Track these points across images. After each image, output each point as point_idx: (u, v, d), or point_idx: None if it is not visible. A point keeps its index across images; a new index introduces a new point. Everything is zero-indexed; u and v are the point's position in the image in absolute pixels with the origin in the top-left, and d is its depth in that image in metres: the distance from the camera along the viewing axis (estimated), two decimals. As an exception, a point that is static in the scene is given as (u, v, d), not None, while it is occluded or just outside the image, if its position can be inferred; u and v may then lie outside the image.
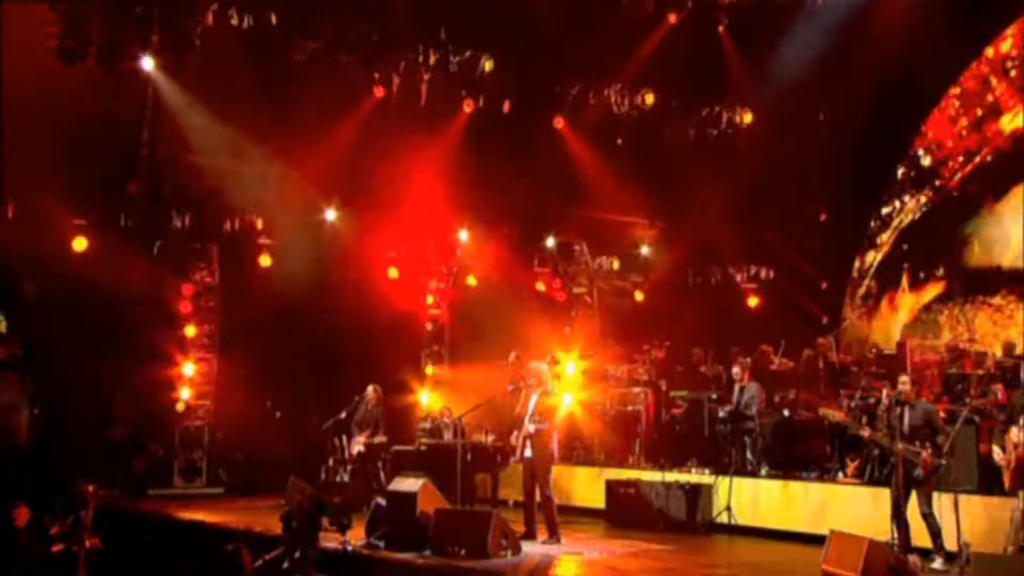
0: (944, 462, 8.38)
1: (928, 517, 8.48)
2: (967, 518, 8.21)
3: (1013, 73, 15.06)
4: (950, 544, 8.29)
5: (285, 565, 7.77)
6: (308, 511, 7.99)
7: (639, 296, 17.73)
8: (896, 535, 8.59)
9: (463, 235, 16.47)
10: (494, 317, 15.79)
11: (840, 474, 10.93)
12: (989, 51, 15.29)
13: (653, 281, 17.80)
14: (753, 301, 17.42)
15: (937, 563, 8.43)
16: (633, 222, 17.68)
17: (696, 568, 9.20)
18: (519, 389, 10.55)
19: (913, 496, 8.56)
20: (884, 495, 8.95)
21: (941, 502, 8.44)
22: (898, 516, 8.61)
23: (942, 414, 9.34)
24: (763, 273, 17.60)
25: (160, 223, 14.60)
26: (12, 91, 12.10)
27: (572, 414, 13.72)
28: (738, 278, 17.71)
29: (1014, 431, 7.58)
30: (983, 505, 8.10)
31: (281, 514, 8.25)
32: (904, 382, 9.17)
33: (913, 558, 8.52)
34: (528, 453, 10.03)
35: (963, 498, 8.38)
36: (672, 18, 15.25)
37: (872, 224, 16.96)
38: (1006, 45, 15.13)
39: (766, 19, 15.45)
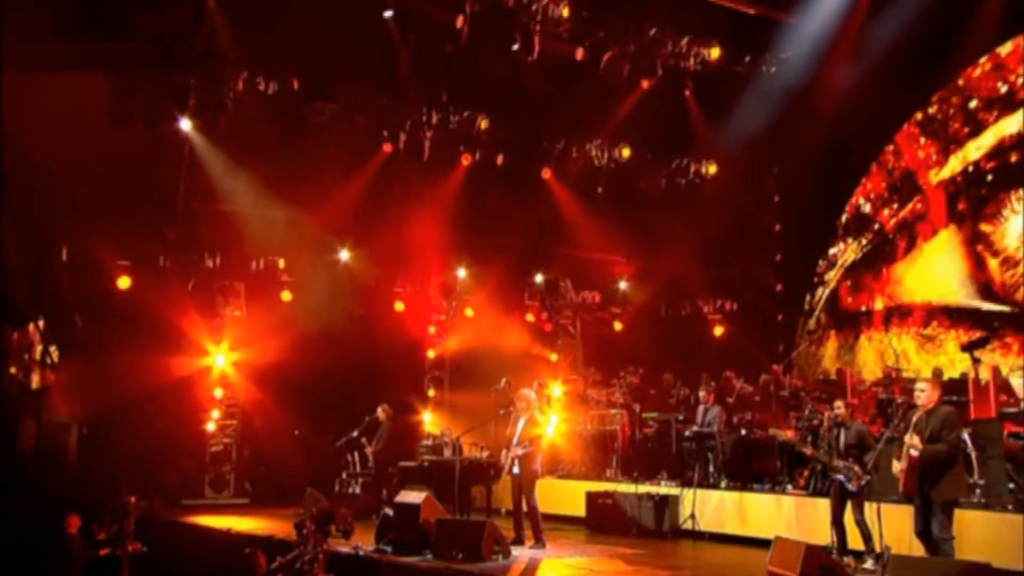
0: (871, 476, 8.55)
1: (861, 524, 8.65)
2: (889, 524, 8.35)
3: (939, 134, 15.27)
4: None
5: (298, 566, 7.93)
6: (318, 519, 8.10)
7: (618, 326, 17.66)
8: (835, 539, 8.79)
9: (461, 273, 16.52)
10: (489, 346, 15.81)
11: (789, 486, 10.99)
12: (918, 115, 15.49)
13: (630, 313, 17.77)
14: (719, 331, 17.38)
15: (868, 564, 8.56)
16: (612, 260, 17.72)
17: (662, 570, 9.24)
18: (509, 412, 10.70)
19: (848, 505, 8.74)
20: (825, 504, 9.17)
21: (872, 510, 8.53)
22: (836, 523, 8.81)
23: (875, 434, 9.66)
24: (727, 306, 17.50)
25: (193, 264, 14.68)
26: (69, 150, 12.22)
27: (558, 432, 13.80)
28: (705, 310, 17.66)
29: (907, 438, 7.65)
30: (900, 513, 8.31)
31: (295, 522, 8.49)
32: (839, 406, 9.40)
33: (849, 559, 8.71)
34: (516, 470, 10.15)
35: (885, 507, 8.48)
36: (644, 83, 15.62)
37: (820, 263, 16.93)
38: (932, 109, 15.33)
39: (726, 85, 15.73)
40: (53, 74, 12.68)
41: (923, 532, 7.64)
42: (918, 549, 7.93)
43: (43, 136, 11.95)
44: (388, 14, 13.65)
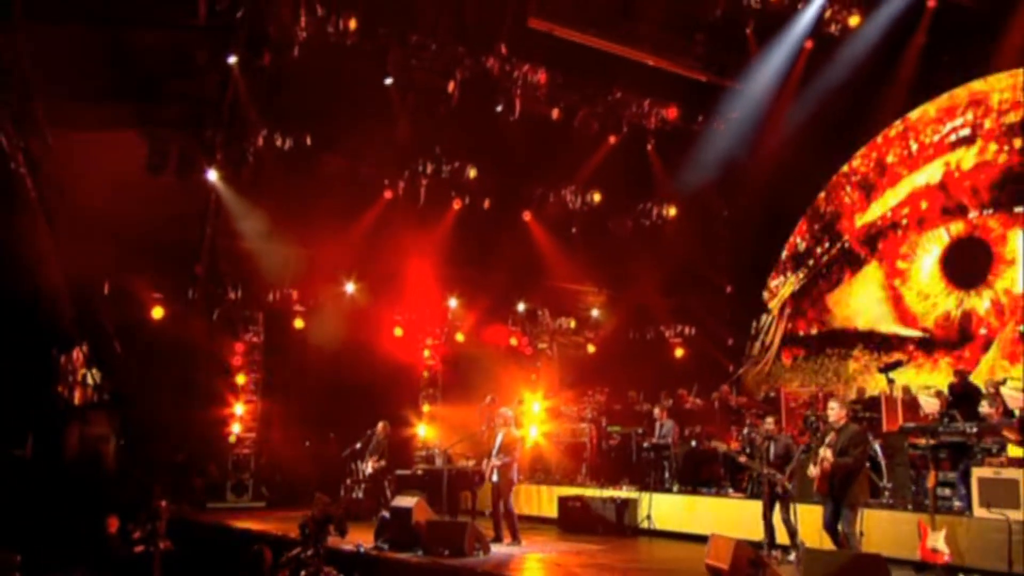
0: (791, 483, 8.81)
1: (787, 522, 8.88)
2: (812, 522, 8.57)
3: (862, 184, 15.45)
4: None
5: (302, 558, 8.06)
6: (317, 521, 8.19)
7: (591, 349, 17.59)
8: (765, 535, 9.03)
9: (452, 302, 16.51)
10: (476, 366, 15.78)
11: (730, 490, 11.23)
12: (845, 167, 15.64)
13: (602, 337, 17.68)
14: (679, 352, 17.35)
15: (792, 556, 8.77)
16: (585, 291, 17.74)
17: (620, 562, 9.43)
18: (491, 428, 10.95)
19: (776, 506, 8.98)
20: (759, 506, 9.29)
21: (796, 510, 8.83)
22: (766, 521, 9.04)
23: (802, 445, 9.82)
24: (686, 331, 17.45)
25: (218, 295, 14.67)
26: (111, 197, 12.13)
27: (536, 443, 13.92)
28: (667, 334, 17.58)
29: (821, 450, 8.01)
30: (814, 512, 8.45)
31: (299, 523, 8.47)
32: (769, 422, 9.80)
33: (777, 553, 8.96)
34: (495, 478, 10.28)
35: (807, 508, 8.76)
36: (612, 139, 15.98)
37: (764, 294, 16.93)
38: (856, 163, 15.50)
39: (682, 140, 16.10)
40: (100, 133, 12.72)
41: (831, 528, 8.03)
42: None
43: (89, 185, 12.01)
44: (388, 80, 13.78)
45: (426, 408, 16.07)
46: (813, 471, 8.11)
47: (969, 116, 13.83)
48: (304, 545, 8.09)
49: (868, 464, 9.55)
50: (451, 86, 13.75)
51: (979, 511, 8.37)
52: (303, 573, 7.85)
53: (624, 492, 11.90)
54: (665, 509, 11.36)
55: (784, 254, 16.66)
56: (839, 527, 8.00)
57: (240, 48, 12.85)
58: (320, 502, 11.09)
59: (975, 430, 9.00)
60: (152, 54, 12.59)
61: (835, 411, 8.35)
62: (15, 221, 11.83)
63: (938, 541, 8.12)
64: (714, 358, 16.81)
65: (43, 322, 12.60)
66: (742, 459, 9.95)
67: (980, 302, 13.48)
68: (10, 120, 11.69)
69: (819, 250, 16.09)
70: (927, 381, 13.03)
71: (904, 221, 14.70)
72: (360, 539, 9.90)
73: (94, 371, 13.81)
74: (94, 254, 12.66)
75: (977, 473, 8.50)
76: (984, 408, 9.40)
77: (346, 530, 8.62)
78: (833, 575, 7.19)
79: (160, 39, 12.61)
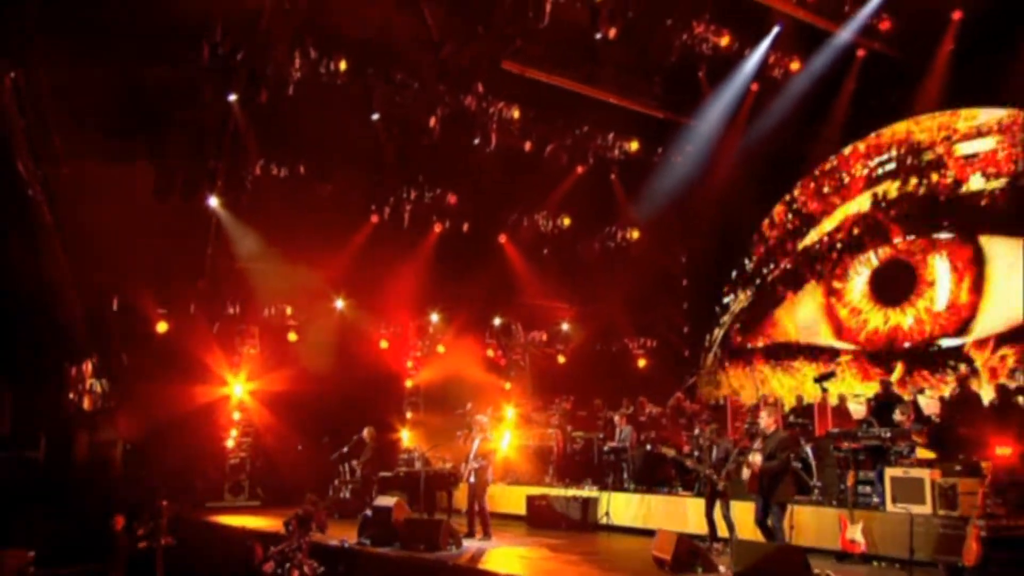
0: (726, 483, 9.08)
1: (726, 518, 9.16)
2: (742, 518, 8.93)
3: (801, 211, 15.82)
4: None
5: (287, 552, 8.31)
6: (300, 519, 8.46)
7: (561, 360, 17.60)
8: (708, 530, 9.34)
9: (434, 317, 16.60)
10: (456, 376, 15.72)
11: (680, 489, 11.45)
12: (787, 196, 15.97)
13: (571, 349, 17.68)
14: (641, 363, 17.47)
15: (730, 548, 8.83)
16: (556, 307, 17.78)
17: (579, 554, 9.56)
18: (467, 434, 10.94)
19: (717, 504, 9.25)
20: (702, 503, 9.51)
21: (735, 507, 9.10)
22: (708, 517, 9.33)
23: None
24: (648, 343, 17.59)
25: (218, 311, 14.65)
26: (120, 220, 12.29)
27: (511, 447, 13.77)
28: (631, 346, 17.64)
29: (752, 454, 8.38)
30: (749, 509, 8.69)
31: (284, 521, 8.72)
32: (711, 428, 10.12)
33: (718, 545, 9.23)
34: (472, 480, 10.48)
35: (744, 505, 8.92)
36: (579, 169, 16.24)
37: (717, 310, 17.11)
38: (796, 192, 15.82)
39: (643, 170, 16.45)
40: (111, 162, 12.74)
41: (762, 523, 8.40)
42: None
43: (101, 210, 12.10)
44: (375, 116, 13.97)
45: (409, 415, 16.06)
46: (746, 473, 8.49)
47: (893, 153, 14.27)
48: (288, 540, 8.27)
49: (800, 465, 10.07)
50: (432, 121, 13.90)
51: (891, 506, 8.72)
52: (288, 565, 8.04)
53: (586, 491, 12.02)
54: (622, 507, 11.52)
55: (734, 274, 16.90)
56: (768, 522, 8.36)
57: (240, 86, 12.94)
58: (310, 501, 11.37)
59: (889, 435, 9.40)
60: (160, 91, 12.69)
61: (765, 419, 8.80)
62: (32, 243, 11.93)
63: (856, 533, 8.54)
64: (672, 368, 17.01)
65: (56, 335, 12.63)
66: (688, 462, 10.27)
67: (904, 318, 13.86)
68: (29, 151, 11.77)
69: (765, 270, 16.33)
70: (859, 389, 13.32)
71: (839, 245, 15.03)
72: (345, 535, 10.03)
73: (103, 380, 13.77)
74: (104, 273, 12.91)
75: (889, 473, 8.87)
76: (897, 415, 9.78)
77: (326, 527, 8.78)
78: (760, 564, 7.55)
79: (167, 78, 12.64)
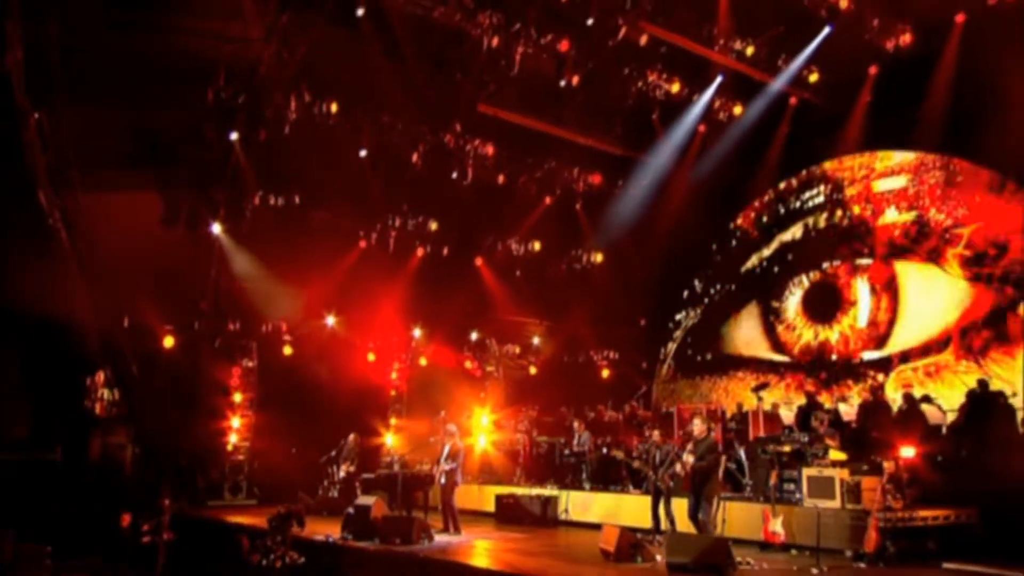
0: (672, 483, 9.39)
1: (668, 514, 9.43)
2: (680, 513, 9.16)
3: (744, 238, 16.37)
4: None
5: (269, 545, 8.56)
6: (281, 515, 8.73)
7: (533, 370, 17.63)
8: (653, 524, 9.58)
9: (416, 332, 16.55)
10: (435, 386, 15.88)
11: (631, 488, 11.63)
12: (730, 224, 16.52)
13: (542, 360, 17.76)
14: (605, 373, 17.58)
15: None
16: (527, 322, 17.88)
17: (538, 546, 9.76)
18: (439, 440, 11.24)
19: (660, 501, 9.52)
20: (649, 500, 9.73)
21: (675, 504, 9.31)
22: (653, 512, 9.62)
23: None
24: (611, 355, 17.70)
25: (219, 327, 14.71)
26: (131, 246, 12.61)
27: (484, 450, 14.13)
28: (595, 358, 17.75)
29: (685, 456, 8.86)
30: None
31: (267, 517, 8.90)
32: (655, 434, 10.35)
33: (661, 538, 9.17)
34: (443, 481, 10.73)
35: (681, 501, 9.15)
36: (548, 199, 16.69)
37: (670, 326, 17.41)
38: (739, 221, 16.42)
39: (604, 200, 16.88)
40: (123, 193, 13.04)
41: (694, 517, 8.81)
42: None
43: (114, 236, 12.47)
44: (363, 152, 14.26)
45: (393, 421, 16.01)
46: (681, 473, 8.94)
47: (821, 188, 14.87)
48: (272, 534, 8.54)
49: (735, 466, 10.59)
50: (415, 156, 14.30)
51: (807, 502, 9.15)
52: (272, 556, 8.30)
53: (548, 490, 12.24)
54: (579, 504, 11.75)
55: (686, 293, 17.30)
56: (699, 516, 8.77)
57: (241, 126, 13.32)
58: (302, 500, 11.79)
59: (807, 439, 9.86)
60: (168, 130, 13.00)
61: (697, 426, 9.22)
62: (51, 265, 12.25)
63: (776, 525, 9.00)
64: (632, 378, 17.19)
65: (73, 349, 12.96)
66: (635, 464, 10.61)
67: (832, 334, 14.36)
68: (50, 183, 12.21)
69: (712, 291, 16.79)
70: (792, 398, 13.73)
71: (775, 269, 15.53)
72: (330, 531, 10.12)
73: (115, 390, 13.94)
74: (116, 293, 13.12)
75: (806, 472, 9.30)
76: (813, 422, 10.24)
77: (304, 523, 8.98)
78: (690, 553, 7.92)
79: (175, 118, 13.01)
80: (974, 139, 12.08)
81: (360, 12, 11.98)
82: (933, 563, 8.12)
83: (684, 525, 9.16)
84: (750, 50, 13.18)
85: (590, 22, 11.95)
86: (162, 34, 11.95)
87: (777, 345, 15.25)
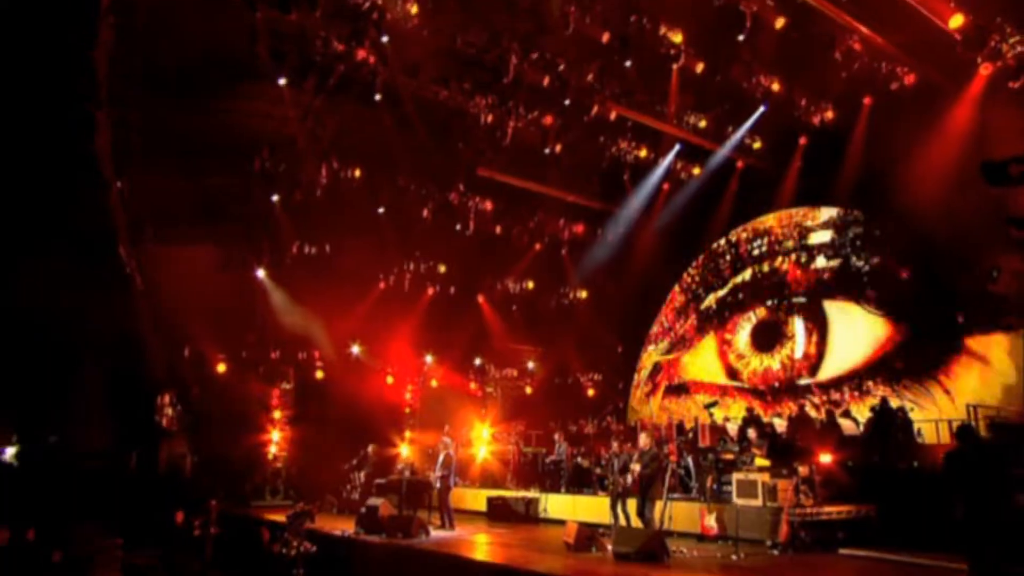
0: (627, 486, 9.66)
1: (624, 512, 9.68)
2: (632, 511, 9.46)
3: (703, 280, 16.62)
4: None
5: (287, 537, 8.96)
6: (298, 513, 9.25)
7: (528, 390, 17.99)
8: (613, 521, 9.81)
9: (428, 359, 17.01)
10: (444, 404, 16.21)
11: (600, 491, 11.79)
12: (691, 268, 16.86)
13: (536, 382, 18.15)
14: (591, 392, 17.87)
15: None
16: (523, 349, 18.33)
17: (517, 540, 10.05)
18: (436, 451, 11.75)
19: (619, 501, 9.78)
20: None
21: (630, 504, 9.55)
22: (613, 511, 9.89)
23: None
24: (595, 377, 18.04)
25: (263, 355, 15.48)
26: (191, 289, 13.09)
27: (485, 459, 14.65)
28: (582, 380, 18.09)
29: (633, 464, 9.29)
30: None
31: (287, 514, 9.43)
32: (615, 445, 10.97)
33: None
34: (438, 485, 11.24)
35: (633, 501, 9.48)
36: (538, 246, 17.35)
37: (643, 354, 17.67)
38: (697, 265, 16.80)
39: (586, 246, 17.57)
40: (185, 245, 13.85)
41: (641, 515, 9.39)
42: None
43: (178, 280, 12.98)
44: (381, 209, 15.04)
45: (407, 434, 15.51)
46: (631, 479, 9.58)
47: (765, 239, 15.41)
48: (289, 528, 9.10)
49: (683, 471, 11.15)
50: (425, 212, 15.02)
51: (737, 500, 9.68)
52: (289, 546, 8.84)
53: (531, 493, 12.71)
54: (557, 504, 12.19)
55: (655, 328, 17.67)
56: (645, 514, 9.38)
57: (281, 189, 14.12)
58: (328, 501, 12.29)
59: (738, 448, 10.47)
60: (222, 192, 13.82)
61: (643, 439, 9.89)
62: (129, 306, 12.79)
63: (711, 520, 9.65)
64: (612, 397, 17.59)
65: (145, 374, 13.41)
66: (597, 470, 11.29)
67: (774, 362, 14.82)
68: (128, 238, 13.04)
69: (676, 325, 17.18)
70: (739, 415, 14.07)
71: (728, 309, 15.96)
72: (346, 527, 10.64)
73: (178, 408, 14.54)
74: (179, 328, 13.81)
75: (736, 476, 9.85)
76: (749, 433, 10.73)
77: (315, 519, 9.49)
78: (633, 544, 8.48)
79: (228, 183, 13.80)
80: (880, 196, 12.69)
81: (378, 96, 12.83)
82: (833, 550, 8.65)
83: (637, 521, 9.61)
84: (703, 123, 14.00)
85: (567, 102, 12.73)
86: (217, 115, 12.64)
87: (730, 371, 15.64)
